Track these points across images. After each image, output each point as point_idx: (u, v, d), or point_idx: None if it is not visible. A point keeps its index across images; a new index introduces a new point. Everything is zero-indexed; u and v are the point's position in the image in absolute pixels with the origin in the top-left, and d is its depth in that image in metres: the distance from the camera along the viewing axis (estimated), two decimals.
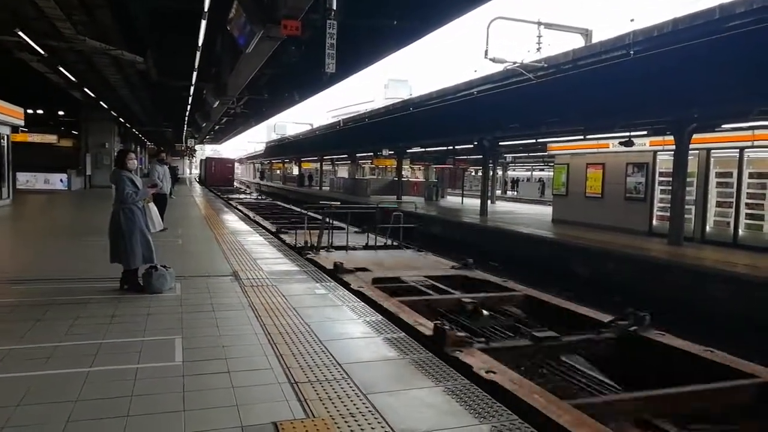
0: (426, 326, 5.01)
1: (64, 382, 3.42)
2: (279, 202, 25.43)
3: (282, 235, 11.46)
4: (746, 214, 11.44)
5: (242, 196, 31.24)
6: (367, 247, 10.31)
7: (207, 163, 44.24)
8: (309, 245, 9.71)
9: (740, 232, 11.51)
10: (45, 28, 12.42)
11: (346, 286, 6.72)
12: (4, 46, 13.97)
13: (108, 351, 4.02)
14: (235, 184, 44.12)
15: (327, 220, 10.36)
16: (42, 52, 13.76)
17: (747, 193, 11.42)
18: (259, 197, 30.95)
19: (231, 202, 22.97)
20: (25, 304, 5.24)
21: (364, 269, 7.93)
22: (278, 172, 63.39)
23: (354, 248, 9.98)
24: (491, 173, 26.21)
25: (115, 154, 7.34)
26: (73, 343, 4.16)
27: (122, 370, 3.66)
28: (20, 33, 11.90)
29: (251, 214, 16.91)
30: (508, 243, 14.39)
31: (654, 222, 13.53)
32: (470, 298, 6.53)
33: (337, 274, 7.45)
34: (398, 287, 7.43)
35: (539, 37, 13.96)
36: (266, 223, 14.30)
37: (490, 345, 4.89)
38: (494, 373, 4.00)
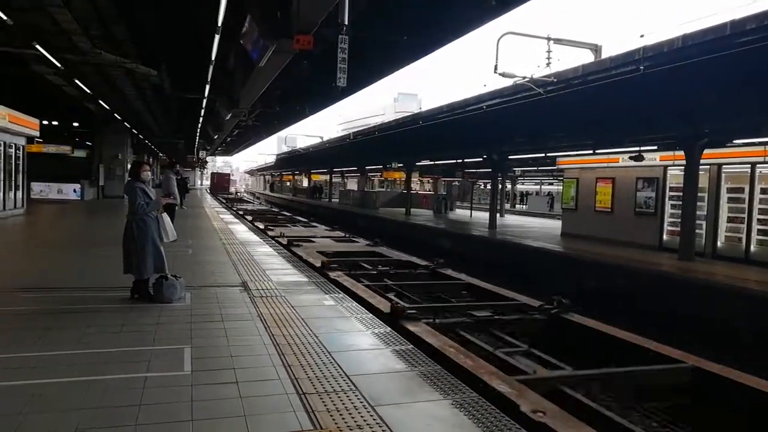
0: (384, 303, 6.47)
1: (73, 391, 3.45)
2: (245, 197, 49.55)
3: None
4: (758, 230, 11.33)
5: (228, 195, 52.37)
6: None
7: (212, 176, 66.52)
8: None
9: (752, 247, 11.38)
10: (62, 41, 12.66)
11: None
12: (22, 59, 14.25)
13: (117, 360, 4.05)
14: (231, 190, 64.85)
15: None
16: (59, 65, 14.02)
17: (759, 208, 11.31)
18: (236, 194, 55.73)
19: (220, 197, 43.37)
20: (36, 312, 5.30)
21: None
22: (288, 184, 63.73)
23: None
24: (500, 187, 26.16)
25: (129, 165, 7.45)
26: (83, 352, 4.20)
27: (131, 378, 3.68)
28: (38, 46, 12.14)
29: (224, 201, 35.90)
30: (517, 257, 14.33)
31: (664, 237, 13.43)
32: None
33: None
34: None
35: (549, 52, 13.96)
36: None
37: (436, 321, 6.14)
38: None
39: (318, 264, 9.38)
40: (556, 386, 4.64)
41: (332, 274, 8.52)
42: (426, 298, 8.45)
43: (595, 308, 8.71)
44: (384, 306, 6.49)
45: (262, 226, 16.74)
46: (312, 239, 14.17)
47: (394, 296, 8.05)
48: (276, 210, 31.42)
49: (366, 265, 10.52)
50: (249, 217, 20.97)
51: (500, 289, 8.22)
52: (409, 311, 6.04)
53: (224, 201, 36.27)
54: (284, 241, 12.66)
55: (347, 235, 16.33)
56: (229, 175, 72.58)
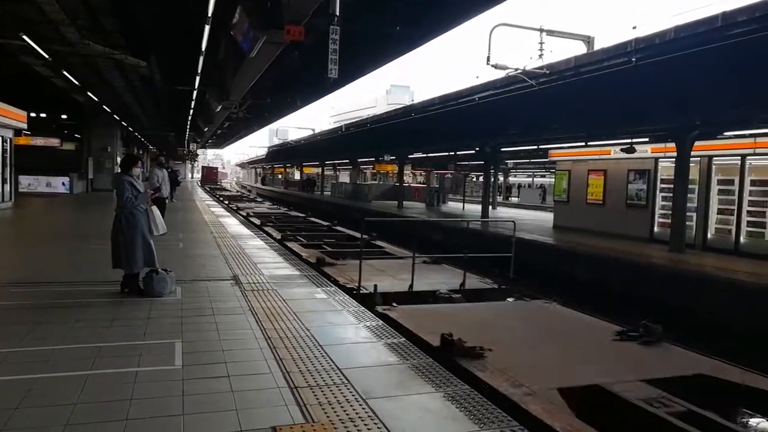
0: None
1: (63, 385, 3.42)
2: (225, 186, 62.65)
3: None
4: (748, 222, 11.42)
5: (213, 186, 59.58)
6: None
7: (203, 169, 75.73)
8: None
9: (742, 239, 11.48)
10: (50, 32, 12.47)
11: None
12: (9, 49, 14.03)
13: (108, 354, 4.02)
14: (219, 183, 73.71)
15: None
16: (46, 56, 13.81)
17: (749, 200, 11.40)
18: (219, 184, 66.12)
19: (206, 186, 51.88)
20: (25, 306, 5.25)
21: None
22: (280, 177, 63.59)
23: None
24: (492, 179, 26.20)
25: (121, 157, 7.36)
26: (73, 346, 4.16)
27: (122, 373, 3.66)
28: (25, 37, 11.94)
29: (209, 189, 45.51)
30: (509, 249, 14.32)
31: (655, 229, 13.51)
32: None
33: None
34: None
35: (541, 43, 13.89)
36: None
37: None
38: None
39: (292, 246, 11.65)
40: None
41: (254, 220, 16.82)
42: None
43: (588, 300, 8.78)
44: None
45: (227, 202, 26.03)
46: (254, 208, 24.00)
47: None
48: (246, 193, 49.07)
49: (272, 218, 19.31)
50: (222, 198, 31.19)
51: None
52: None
53: (209, 189, 48.08)
54: (234, 207, 22.23)
55: (278, 207, 27.50)
56: (217, 168, 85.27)
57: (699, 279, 9.42)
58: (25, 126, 17.57)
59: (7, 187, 16.56)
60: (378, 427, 3.02)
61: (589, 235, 14.37)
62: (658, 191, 13.51)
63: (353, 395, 3.43)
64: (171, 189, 17.89)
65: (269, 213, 21.79)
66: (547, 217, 20.47)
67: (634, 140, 13.81)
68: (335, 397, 3.39)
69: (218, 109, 22.05)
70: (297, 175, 54.90)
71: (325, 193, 42.08)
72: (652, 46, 10.47)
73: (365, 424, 3.05)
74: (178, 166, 55.75)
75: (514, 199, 42.45)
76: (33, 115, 20.61)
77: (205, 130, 36.94)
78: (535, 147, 21.60)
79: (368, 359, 4.19)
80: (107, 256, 6.02)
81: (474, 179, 46.63)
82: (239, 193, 49.87)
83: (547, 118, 14.48)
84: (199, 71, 15.90)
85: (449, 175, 37.58)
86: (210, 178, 67.26)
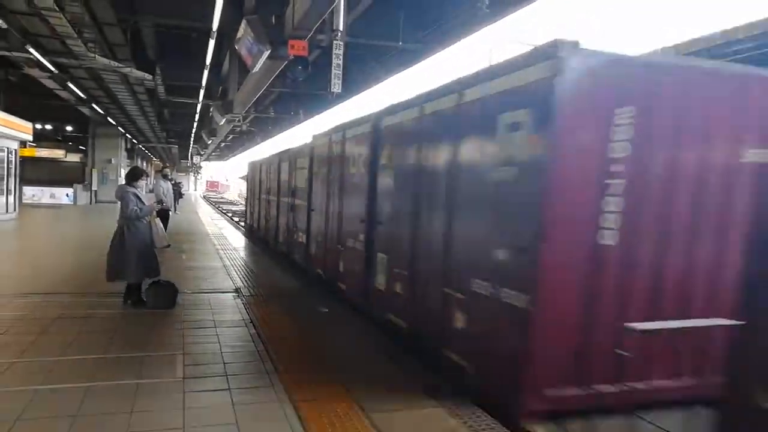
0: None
1: (64, 397, 3.42)
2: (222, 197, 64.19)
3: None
4: None
5: (210, 195, 69.21)
6: None
7: (206, 183, 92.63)
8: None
9: None
10: (56, 45, 12.61)
11: None
12: (15, 62, 14.19)
13: (109, 366, 4.03)
14: (220, 194, 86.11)
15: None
16: (52, 68, 13.95)
17: None
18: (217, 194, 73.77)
19: (208, 197, 57.50)
20: (28, 317, 5.26)
21: None
22: None
23: None
24: None
25: (123, 170, 7.39)
26: (75, 357, 4.17)
27: (123, 385, 3.66)
28: (31, 50, 12.08)
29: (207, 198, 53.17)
30: None
31: None
32: None
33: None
34: None
35: None
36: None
37: None
38: None
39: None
40: None
41: None
42: None
43: None
44: None
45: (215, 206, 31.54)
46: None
47: None
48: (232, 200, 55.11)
49: None
50: (213, 203, 39.22)
51: None
52: None
53: (208, 198, 55.26)
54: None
55: None
56: (218, 182, 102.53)
57: None
58: (30, 138, 17.71)
59: (11, 198, 16.64)
60: None
61: None
62: None
63: (354, 409, 3.43)
64: (174, 201, 17.92)
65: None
66: None
67: None
68: (337, 412, 3.39)
69: (222, 123, 22.13)
70: None
71: None
72: None
73: None
74: (181, 179, 56.10)
75: None
76: (38, 126, 20.80)
77: (209, 142, 37.07)
78: None
79: (372, 372, 4.17)
80: None
81: None
82: (223, 199, 56.02)
83: None
84: (203, 85, 16.04)
85: None
86: (212, 189, 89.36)
